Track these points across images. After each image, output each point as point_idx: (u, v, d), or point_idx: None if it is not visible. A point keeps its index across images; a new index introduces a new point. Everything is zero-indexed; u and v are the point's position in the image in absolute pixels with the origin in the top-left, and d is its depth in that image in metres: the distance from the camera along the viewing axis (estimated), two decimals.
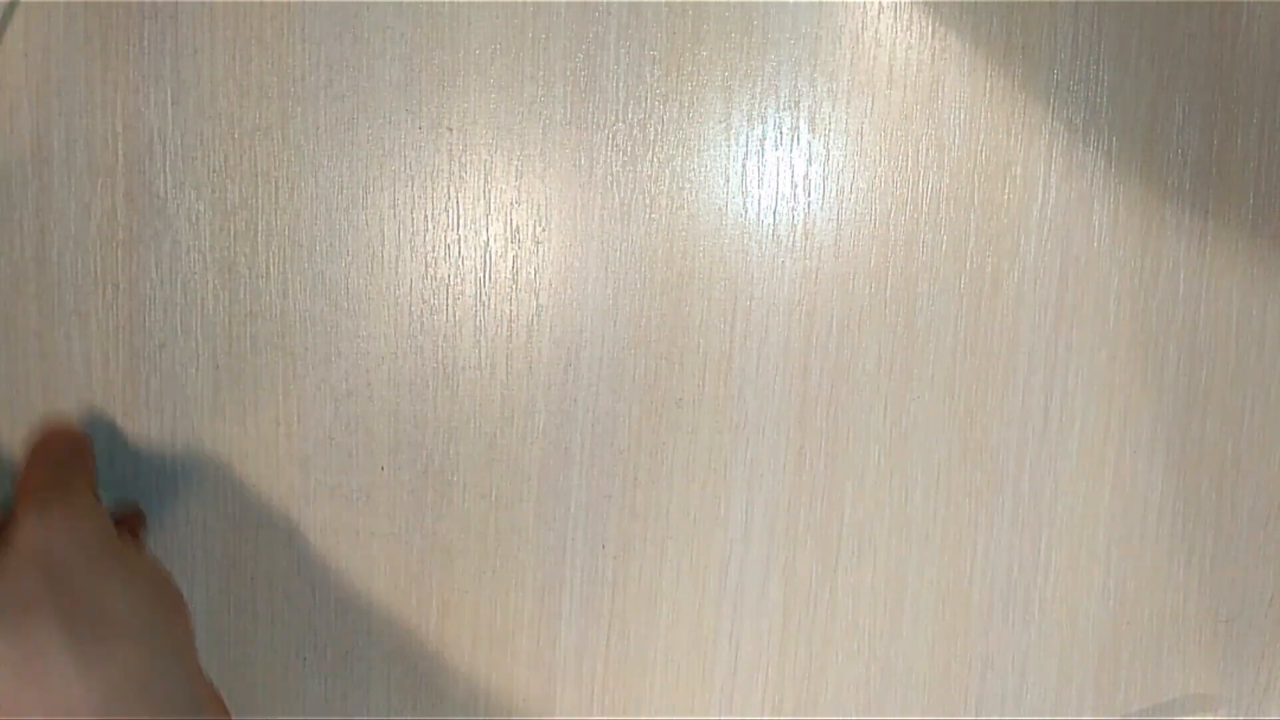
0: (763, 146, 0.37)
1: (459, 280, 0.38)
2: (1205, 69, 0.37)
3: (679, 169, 0.38)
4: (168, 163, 0.38)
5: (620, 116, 0.37)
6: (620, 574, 0.40)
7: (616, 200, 0.37)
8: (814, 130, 0.37)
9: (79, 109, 0.37)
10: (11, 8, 0.37)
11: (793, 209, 0.38)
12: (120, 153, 0.38)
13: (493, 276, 0.38)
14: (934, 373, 0.38)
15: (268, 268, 0.38)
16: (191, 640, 0.31)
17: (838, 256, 0.38)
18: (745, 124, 0.37)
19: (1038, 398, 0.38)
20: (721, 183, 0.38)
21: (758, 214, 0.38)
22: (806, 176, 0.38)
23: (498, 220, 0.38)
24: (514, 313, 0.38)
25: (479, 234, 0.38)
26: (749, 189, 0.38)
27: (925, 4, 0.37)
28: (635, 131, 0.37)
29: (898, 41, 0.37)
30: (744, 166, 0.37)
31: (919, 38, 0.37)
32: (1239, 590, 0.39)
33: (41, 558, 0.29)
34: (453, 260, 0.38)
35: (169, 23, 0.37)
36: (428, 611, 0.40)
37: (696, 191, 0.38)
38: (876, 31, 0.37)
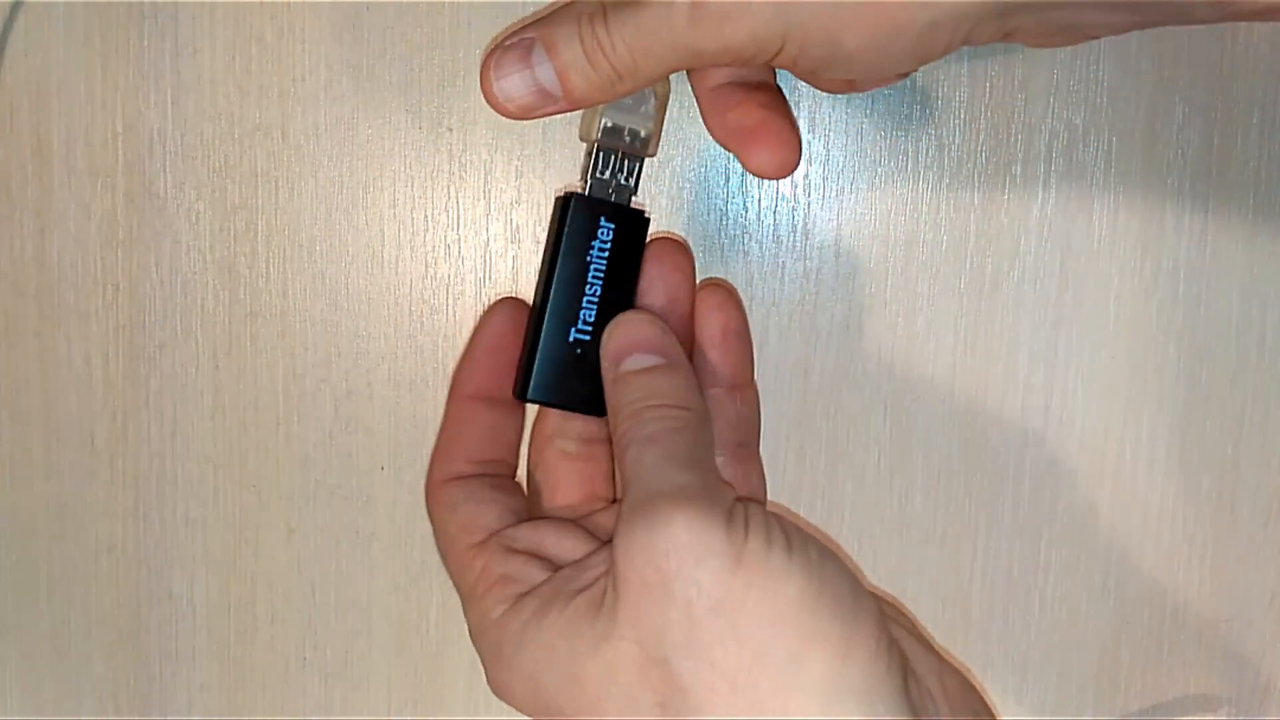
0: None
1: (459, 280, 0.38)
2: (1205, 69, 0.37)
3: (679, 169, 0.38)
4: (168, 163, 0.38)
5: None
6: None
7: None
8: (814, 130, 0.37)
9: (79, 109, 0.37)
10: (14, 8, 0.37)
11: (793, 209, 0.38)
12: (120, 153, 0.38)
13: (493, 276, 0.38)
14: (934, 373, 0.38)
15: (268, 268, 0.38)
16: None
17: (838, 256, 0.38)
18: None
19: (1038, 398, 0.38)
20: (721, 183, 0.38)
21: (758, 214, 0.38)
22: (806, 176, 0.38)
23: (498, 220, 0.38)
24: None
25: (479, 234, 0.38)
26: (749, 189, 0.38)
27: None
28: None
29: None
30: None
31: None
32: (1239, 590, 0.39)
33: None
34: (453, 260, 0.38)
35: (169, 23, 0.37)
36: (428, 611, 0.40)
37: (696, 191, 0.38)
38: None
